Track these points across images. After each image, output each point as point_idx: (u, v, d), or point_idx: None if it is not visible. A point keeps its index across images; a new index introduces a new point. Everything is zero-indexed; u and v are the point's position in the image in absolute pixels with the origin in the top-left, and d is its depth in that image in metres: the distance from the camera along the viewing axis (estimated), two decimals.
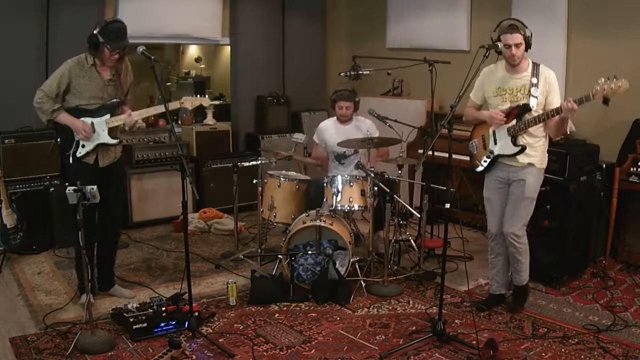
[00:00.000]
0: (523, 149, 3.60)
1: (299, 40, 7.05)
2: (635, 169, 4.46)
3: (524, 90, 3.57)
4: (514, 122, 3.59)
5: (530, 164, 3.63)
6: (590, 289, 4.24)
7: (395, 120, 4.96)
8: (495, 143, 3.72)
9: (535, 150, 3.63)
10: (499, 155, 3.71)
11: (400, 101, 6.42)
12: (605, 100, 3.22)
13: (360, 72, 5.18)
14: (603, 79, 3.20)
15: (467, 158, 5.38)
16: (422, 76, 5.05)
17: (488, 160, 3.77)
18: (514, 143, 3.62)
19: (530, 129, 3.57)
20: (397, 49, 6.62)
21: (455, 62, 4.91)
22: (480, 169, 3.85)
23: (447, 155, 3.34)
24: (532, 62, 3.59)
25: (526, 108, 3.54)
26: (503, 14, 5.62)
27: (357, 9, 7.37)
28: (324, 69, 7.42)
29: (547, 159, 3.72)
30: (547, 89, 3.54)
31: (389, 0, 6.80)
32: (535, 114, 3.54)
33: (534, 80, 3.52)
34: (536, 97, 3.52)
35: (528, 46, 3.55)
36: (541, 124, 3.57)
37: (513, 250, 3.76)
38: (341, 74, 5.30)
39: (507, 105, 3.63)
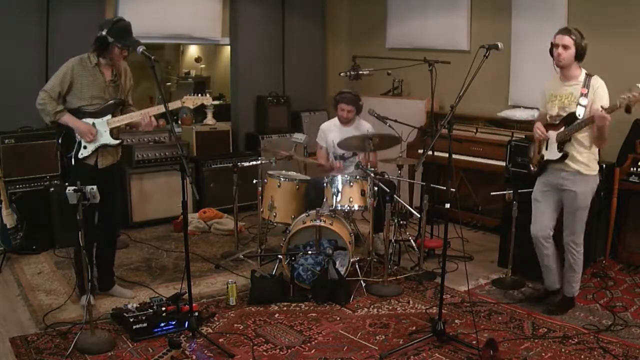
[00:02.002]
0: (565, 156, 3.65)
1: (299, 40, 7.06)
2: (635, 169, 4.46)
3: (571, 98, 3.62)
4: (562, 129, 3.65)
5: (579, 172, 3.65)
6: (590, 289, 4.23)
7: (395, 120, 4.97)
8: (547, 148, 3.78)
9: (585, 159, 3.64)
10: (548, 161, 3.76)
11: (400, 101, 6.42)
12: (628, 109, 3.34)
13: (360, 72, 5.19)
14: (628, 91, 3.30)
15: (468, 158, 5.46)
16: (422, 76, 5.05)
17: (540, 163, 3.83)
18: (559, 149, 3.68)
19: (580, 138, 3.60)
20: (397, 49, 6.62)
21: (455, 62, 4.92)
22: (533, 170, 3.91)
23: (447, 155, 3.35)
24: (586, 73, 3.63)
25: (573, 117, 3.59)
26: (503, 14, 5.67)
27: (357, 9, 7.38)
28: (324, 69, 7.42)
29: (597, 167, 3.70)
30: (593, 98, 3.55)
31: (389, 0, 6.80)
32: None
33: (584, 90, 3.56)
34: (584, 107, 3.55)
35: (579, 55, 3.59)
36: (587, 133, 3.58)
37: (570, 259, 3.77)
38: (341, 74, 5.31)
39: (555, 112, 3.72)
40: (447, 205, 3.33)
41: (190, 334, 3.48)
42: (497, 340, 3.29)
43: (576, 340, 3.44)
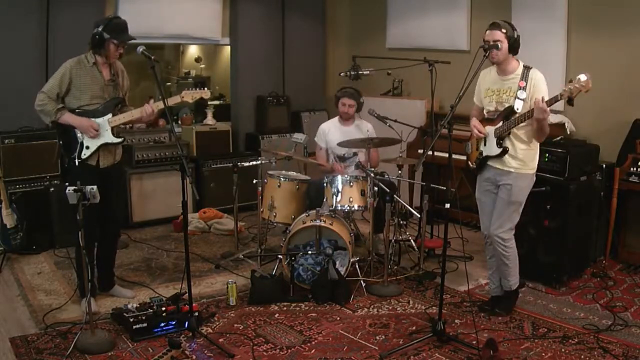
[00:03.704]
0: (505, 151, 3.58)
1: (299, 40, 7.06)
2: (635, 169, 4.46)
3: (510, 92, 3.55)
4: (500, 123, 3.59)
5: (516, 170, 3.59)
6: (590, 289, 4.24)
7: (395, 120, 4.97)
8: (485, 144, 3.72)
9: (524, 156, 3.58)
10: (487, 157, 3.70)
11: (400, 101, 6.42)
12: (570, 100, 3.22)
13: (360, 72, 5.18)
14: (569, 83, 3.19)
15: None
16: (422, 76, 5.05)
17: (478, 160, 3.78)
18: (498, 144, 3.61)
19: (521, 135, 3.55)
20: (397, 49, 6.62)
21: (455, 62, 4.91)
22: (472, 167, 3.87)
23: (447, 155, 3.34)
24: (524, 65, 3.55)
25: (511, 110, 3.51)
26: (503, 14, 5.64)
27: (357, 9, 7.38)
28: (324, 69, 7.42)
29: (536, 164, 3.66)
30: (532, 91, 3.49)
31: (389, 0, 6.80)
32: None
33: (523, 83, 3.49)
34: (522, 100, 3.48)
35: (513, 48, 3.51)
36: (526, 126, 3.51)
37: (500, 254, 3.73)
38: (341, 74, 5.30)
39: (493, 106, 3.65)
40: (447, 205, 3.33)
41: (190, 334, 3.48)
42: (497, 340, 3.29)
43: (576, 340, 3.44)
